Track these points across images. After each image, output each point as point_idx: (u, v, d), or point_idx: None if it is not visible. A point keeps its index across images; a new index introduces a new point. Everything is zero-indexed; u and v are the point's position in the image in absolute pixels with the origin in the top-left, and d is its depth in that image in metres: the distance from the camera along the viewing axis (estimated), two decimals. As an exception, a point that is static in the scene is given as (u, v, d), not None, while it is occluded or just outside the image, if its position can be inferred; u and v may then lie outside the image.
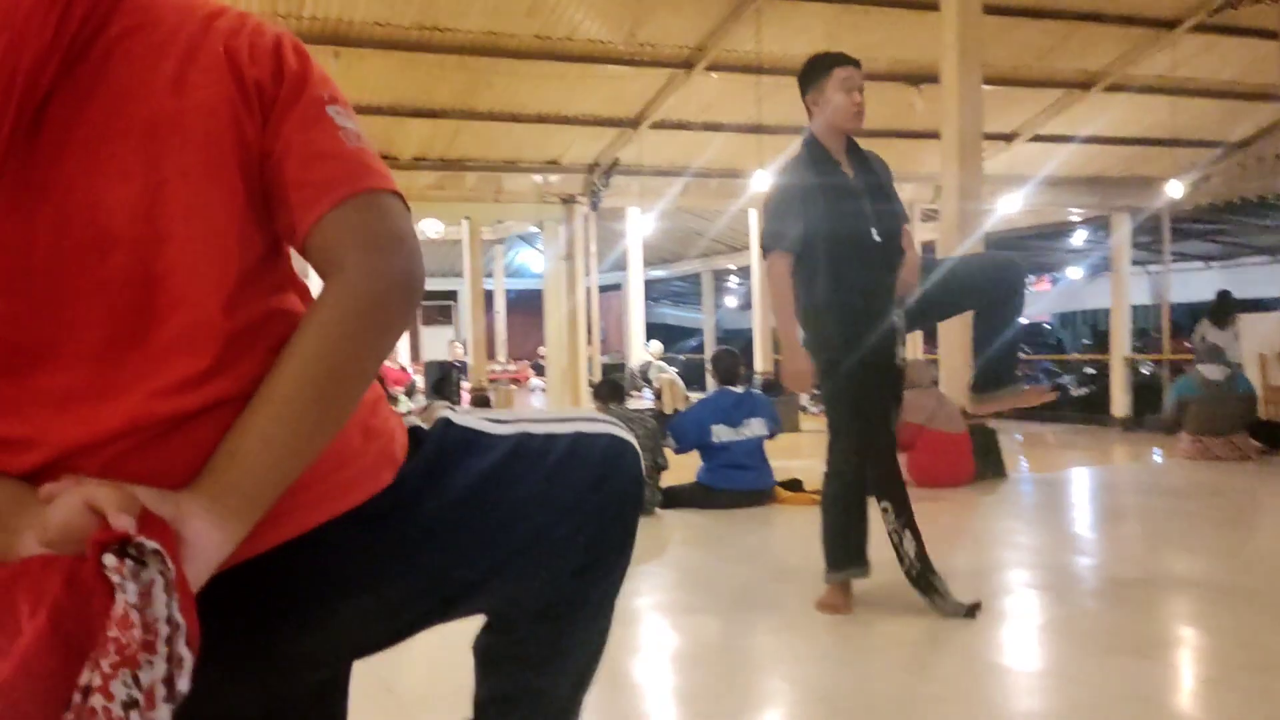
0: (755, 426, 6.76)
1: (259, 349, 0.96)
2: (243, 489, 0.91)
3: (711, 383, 7.43)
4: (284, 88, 0.98)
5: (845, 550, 4.07)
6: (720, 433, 6.66)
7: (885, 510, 4.06)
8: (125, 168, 0.90)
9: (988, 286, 4.16)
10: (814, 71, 4.06)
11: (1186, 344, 17.06)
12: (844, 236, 3.93)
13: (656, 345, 16.85)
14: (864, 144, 4.23)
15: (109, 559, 0.80)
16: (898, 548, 4.05)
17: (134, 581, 0.80)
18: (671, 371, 15.28)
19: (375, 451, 1.10)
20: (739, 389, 7.07)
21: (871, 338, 3.95)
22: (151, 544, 0.83)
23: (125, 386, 0.92)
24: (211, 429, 0.93)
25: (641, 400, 14.74)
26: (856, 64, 4.06)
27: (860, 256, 3.93)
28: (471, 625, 1.33)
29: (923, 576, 4.01)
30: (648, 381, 15.88)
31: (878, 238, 3.96)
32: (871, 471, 4.09)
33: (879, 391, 4.06)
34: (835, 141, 4.07)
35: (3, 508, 0.88)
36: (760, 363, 14.50)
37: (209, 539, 0.88)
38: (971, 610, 3.95)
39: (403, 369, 15.76)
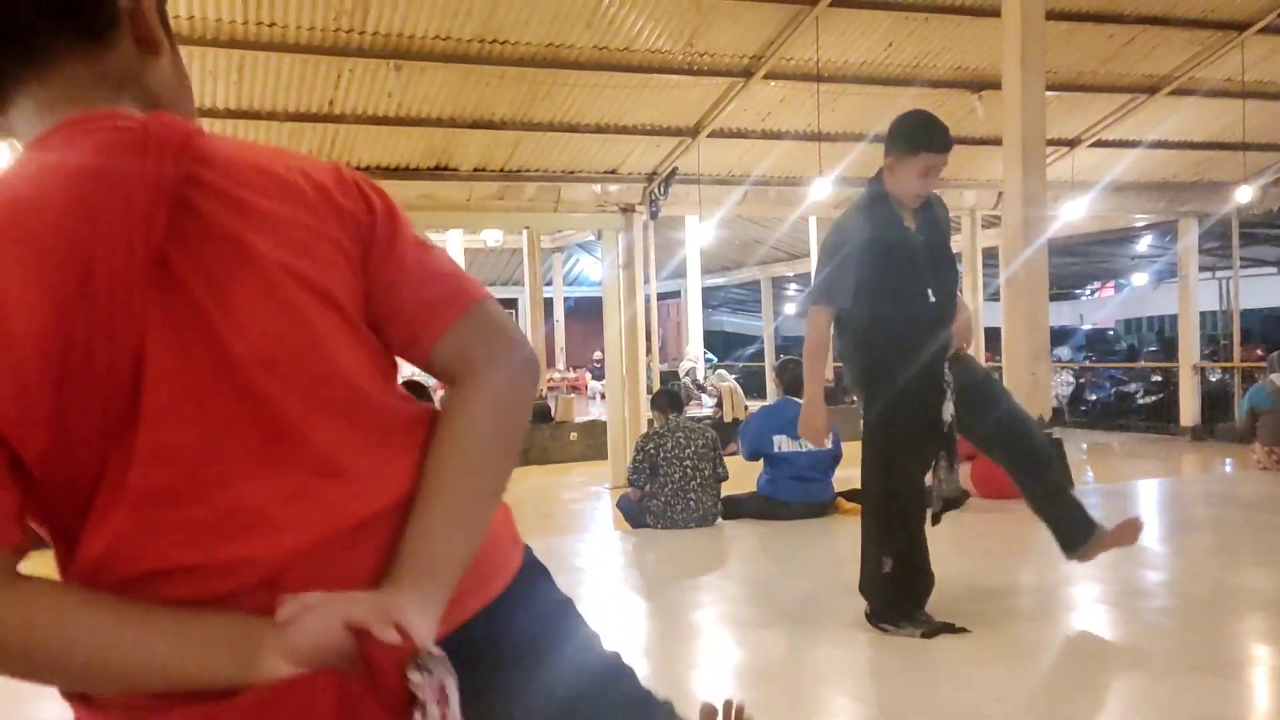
0: (818, 439, 6.73)
1: (411, 449, 1.03)
2: (436, 578, 0.97)
3: (771, 390, 7.41)
4: (377, 220, 1.06)
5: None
6: (782, 443, 6.63)
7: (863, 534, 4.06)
8: (254, 303, 0.95)
9: (1016, 436, 4.13)
10: (904, 141, 3.93)
11: (1258, 351, 16.71)
12: (899, 293, 3.89)
13: (694, 349, 16.93)
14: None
15: (414, 676, 0.86)
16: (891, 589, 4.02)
17: (433, 691, 0.87)
18: (731, 379, 15.27)
19: (509, 532, 1.18)
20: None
21: (915, 390, 3.92)
22: (437, 650, 0.90)
23: (308, 499, 0.96)
24: (388, 529, 0.99)
25: (700, 409, 14.74)
26: (947, 151, 3.95)
27: (914, 314, 3.89)
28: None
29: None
30: (700, 388, 15.90)
31: (933, 298, 3.91)
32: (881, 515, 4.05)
33: (919, 444, 4.03)
34: (899, 200, 4.01)
35: (233, 638, 0.89)
36: (820, 371, 14.44)
37: (422, 629, 0.92)
38: (931, 631, 3.91)
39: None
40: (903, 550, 3.95)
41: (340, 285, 1.01)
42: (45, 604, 0.87)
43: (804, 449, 6.63)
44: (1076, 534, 4.14)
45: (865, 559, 4.03)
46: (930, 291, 3.90)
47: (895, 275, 3.89)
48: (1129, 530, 4.22)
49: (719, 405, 14.25)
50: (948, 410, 3.97)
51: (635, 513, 6.85)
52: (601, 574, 5.85)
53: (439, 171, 10.01)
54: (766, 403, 9.07)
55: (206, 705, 0.87)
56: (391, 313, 1.06)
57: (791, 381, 7.02)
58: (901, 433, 3.96)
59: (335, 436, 0.98)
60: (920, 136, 3.92)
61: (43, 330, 0.85)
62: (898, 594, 3.96)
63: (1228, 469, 10.01)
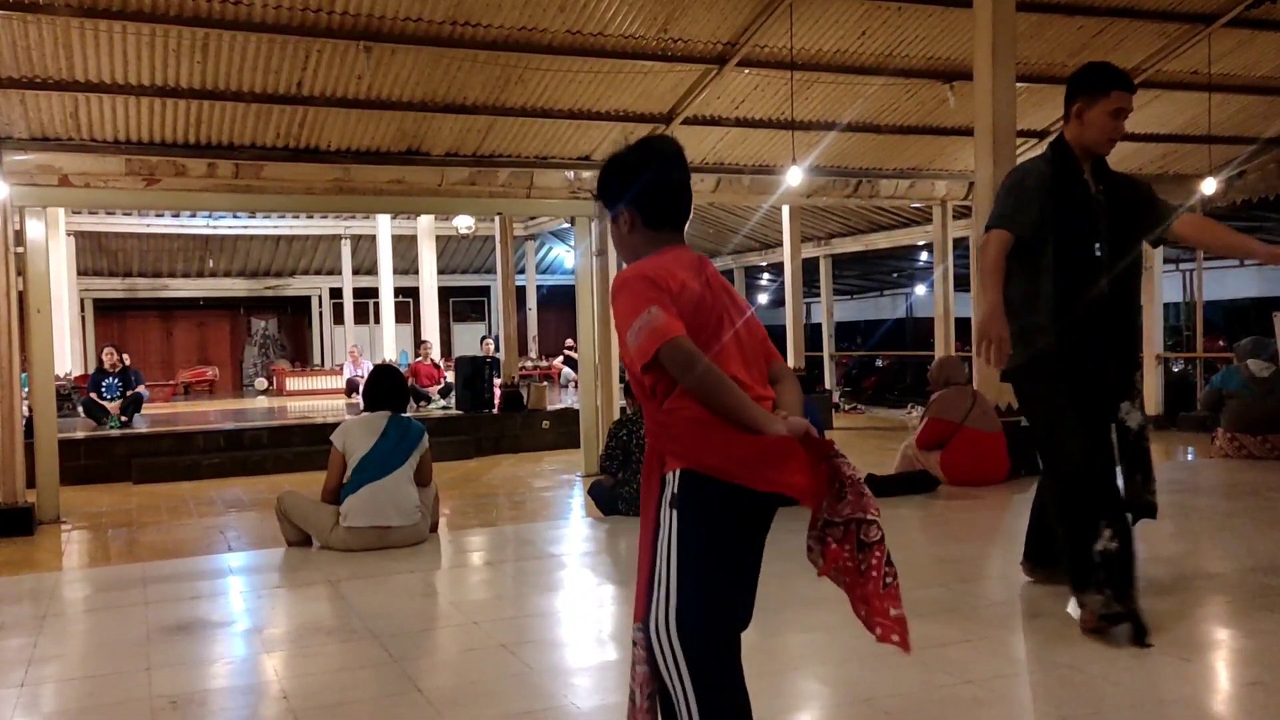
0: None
1: (768, 388, 2.42)
2: (794, 417, 2.29)
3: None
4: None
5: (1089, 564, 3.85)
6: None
7: (1105, 528, 3.86)
8: (739, 311, 2.44)
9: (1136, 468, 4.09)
10: (1091, 85, 3.97)
11: (1220, 342, 16.89)
12: (1066, 240, 3.90)
13: None
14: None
15: (836, 454, 2.26)
16: (1099, 568, 3.83)
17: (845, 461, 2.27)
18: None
19: None
20: None
21: (1085, 346, 3.89)
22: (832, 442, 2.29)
23: (762, 385, 2.38)
24: (771, 407, 2.34)
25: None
26: (1134, 90, 3.99)
27: (1080, 265, 3.89)
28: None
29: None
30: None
31: (1098, 253, 3.90)
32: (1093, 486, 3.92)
33: (1098, 409, 3.94)
34: (1084, 153, 4.02)
35: (768, 415, 2.24)
36: (793, 360, 14.46)
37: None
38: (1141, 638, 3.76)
39: (435, 366, 15.78)
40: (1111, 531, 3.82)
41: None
42: (719, 373, 2.22)
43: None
44: (1052, 555, 4.32)
45: (1072, 538, 3.90)
46: (1098, 246, 3.91)
47: (1066, 221, 3.91)
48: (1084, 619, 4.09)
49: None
50: (1124, 414, 3.97)
51: (607, 500, 6.86)
52: (574, 561, 5.86)
53: (410, 156, 9.93)
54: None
55: (754, 435, 2.20)
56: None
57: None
58: (1069, 397, 3.90)
59: (761, 370, 2.40)
60: (1112, 75, 3.99)
61: (697, 295, 2.30)
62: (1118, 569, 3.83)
63: (1189, 457, 10.13)
